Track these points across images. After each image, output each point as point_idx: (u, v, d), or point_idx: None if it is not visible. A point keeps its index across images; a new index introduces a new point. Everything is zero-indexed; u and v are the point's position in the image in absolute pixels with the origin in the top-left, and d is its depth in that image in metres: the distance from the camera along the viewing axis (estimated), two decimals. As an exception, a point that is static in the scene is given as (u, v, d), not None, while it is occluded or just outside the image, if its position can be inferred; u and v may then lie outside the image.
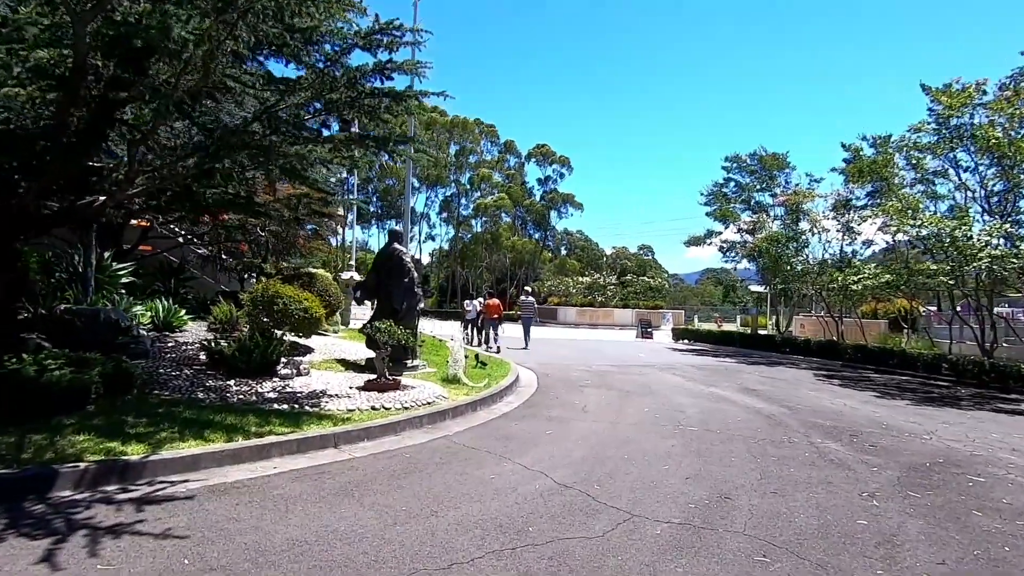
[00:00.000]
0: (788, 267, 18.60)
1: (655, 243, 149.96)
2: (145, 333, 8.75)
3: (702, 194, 22.31)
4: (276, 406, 6.34)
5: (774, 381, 12.16)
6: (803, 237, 18.67)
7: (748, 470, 5.16)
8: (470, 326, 18.84)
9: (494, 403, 8.40)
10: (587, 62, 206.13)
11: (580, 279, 41.01)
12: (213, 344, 7.78)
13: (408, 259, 10.19)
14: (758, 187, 21.43)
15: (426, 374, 9.62)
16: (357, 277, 20.90)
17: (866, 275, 14.25)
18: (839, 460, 5.64)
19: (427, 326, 22.44)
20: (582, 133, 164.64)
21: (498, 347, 16.15)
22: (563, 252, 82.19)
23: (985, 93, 13.75)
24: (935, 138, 14.40)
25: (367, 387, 7.63)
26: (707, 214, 21.99)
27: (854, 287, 14.58)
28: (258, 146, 6.32)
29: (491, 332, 17.07)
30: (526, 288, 21.92)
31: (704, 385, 10.99)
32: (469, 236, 57.78)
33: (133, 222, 12.22)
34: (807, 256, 18.81)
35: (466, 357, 10.19)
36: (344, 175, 57.65)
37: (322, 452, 5.23)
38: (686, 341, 24.69)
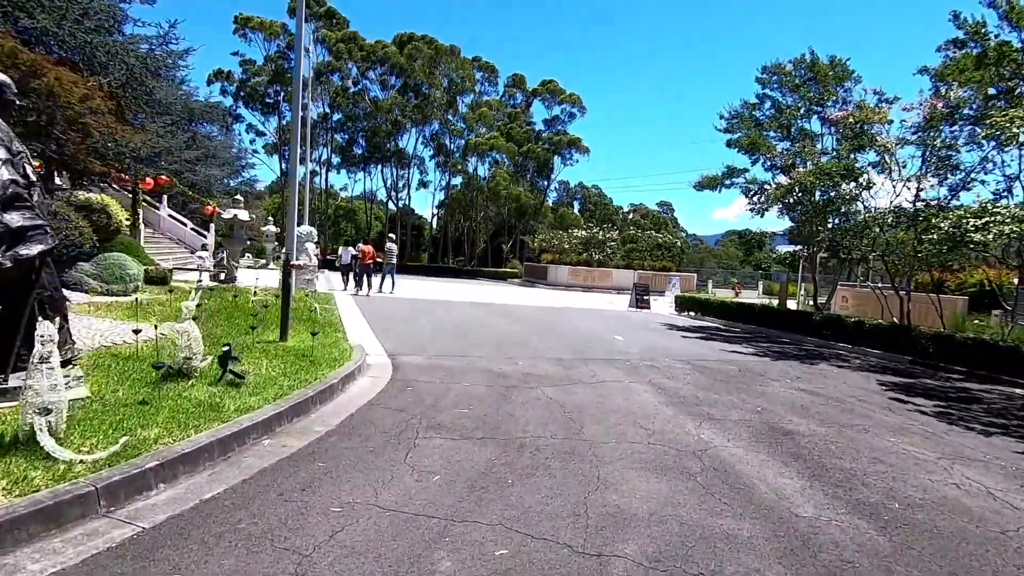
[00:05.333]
0: (840, 215, 12.99)
1: (677, 201, 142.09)
2: None
3: (723, 116, 16.24)
4: None
5: (820, 404, 6.91)
6: (864, 177, 12.93)
7: None
8: (349, 272, 18.82)
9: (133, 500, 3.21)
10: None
11: (577, 233, 35.35)
12: None
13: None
14: (804, 109, 15.45)
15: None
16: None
17: (1001, 218, 8.60)
18: None
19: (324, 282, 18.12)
20: (599, 78, 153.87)
21: (367, 293, 17.46)
22: (576, 208, 76.23)
23: None
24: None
25: None
26: (729, 144, 16.03)
27: (974, 236, 8.95)
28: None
29: (365, 278, 17.83)
30: (390, 235, 22.53)
31: (694, 420, 5.78)
32: (460, 182, 52.01)
33: None
34: (869, 201, 13.12)
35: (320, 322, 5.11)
36: (326, 109, 52.03)
37: None
38: (692, 313, 19.34)
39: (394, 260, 19.36)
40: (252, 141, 52.39)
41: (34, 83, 7.03)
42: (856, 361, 11.30)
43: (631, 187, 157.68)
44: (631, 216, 75.16)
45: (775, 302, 19.76)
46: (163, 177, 23.92)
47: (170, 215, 24.56)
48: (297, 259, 16.29)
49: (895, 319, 13.86)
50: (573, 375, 7.65)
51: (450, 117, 52.25)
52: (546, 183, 56.79)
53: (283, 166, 52.48)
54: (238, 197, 15.74)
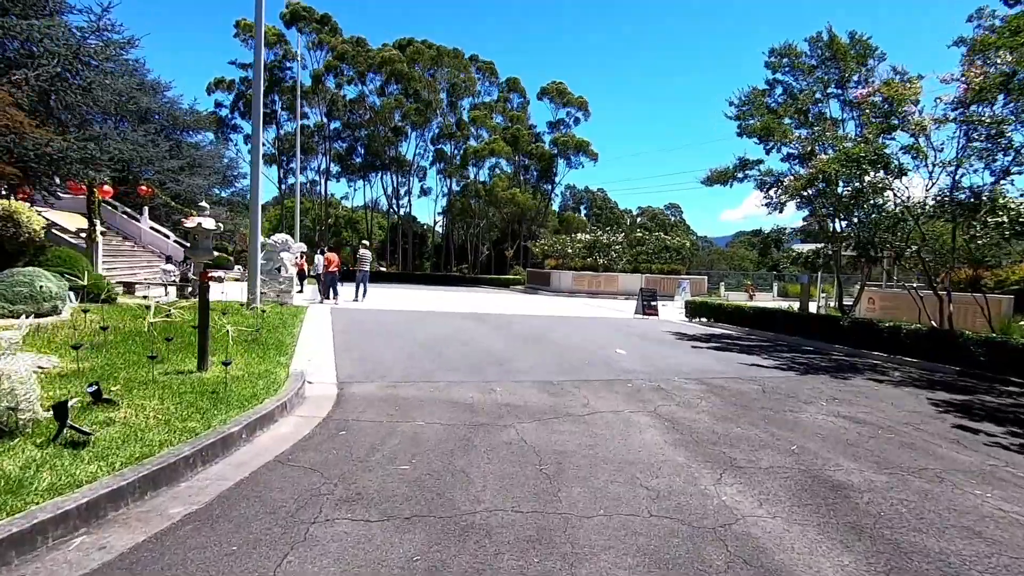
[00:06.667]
0: (869, 208, 11.47)
1: (685, 203, 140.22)
2: None
3: (732, 103, 14.74)
4: None
5: (869, 437, 5.44)
6: (894, 163, 11.40)
7: None
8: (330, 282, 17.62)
9: None
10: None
11: (580, 237, 33.83)
12: None
13: None
14: (820, 93, 13.94)
15: None
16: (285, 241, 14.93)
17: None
18: None
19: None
20: (606, 80, 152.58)
21: (335, 303, 16.73)
22: (582, 212, 74.94)
23: None
24: None
25: None
26: (739, 132, 14.49)
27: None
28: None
29: (332, 286, 17.16)
30: (364, 242, 21.38)
31: (712, 470, 4.35)
32: (459, 187, 50.79)
33: None
34: (901, 191, 11.56)
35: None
36: (323, 118, 51.09)
37: None
38: (703, 320, 17.84)
39: (367, 268, 18.34)
40: (251, 151, 51.59)
41: None
42: (896, 374, 9.78)
43: (638, 189, 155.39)
44: (638, 219, 73.74)
45: (793, 305, 18.21)
46: (143, 187, 22.91)
47: (152, 227, 23.46)
48: (282, 269, 15.26)
49: (933, 323, 12.31)
50: (560, 405, 6.23)
51: (451, 120, 51.16)
52: (550, 187, 55.47)
53: (280, 176, 51.62)
54: (203, 204, 14.43)
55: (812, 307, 18.45)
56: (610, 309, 22.00)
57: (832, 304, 19.74)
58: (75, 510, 2.91)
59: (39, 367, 5.38)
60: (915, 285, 13.29)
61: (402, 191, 53.51)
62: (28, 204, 9.80)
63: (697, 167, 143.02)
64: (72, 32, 9.61)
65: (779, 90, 14.76)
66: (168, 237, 23.60)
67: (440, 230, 60.10)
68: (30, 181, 9.58)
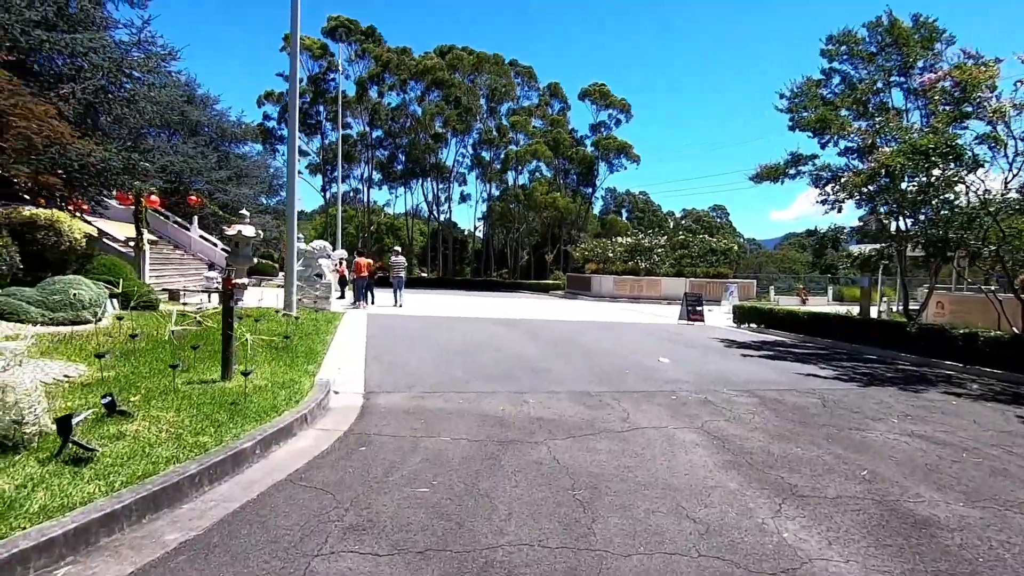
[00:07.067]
0: (938, 204, 10.47)
1: (731, 204, 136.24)
2: None
3: (783, 96, 13.81)
4: None
5: (953, 461, 4.75)
6: (968, 154, 10.38)
7: None
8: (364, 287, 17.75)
9: None
10: None
11: (621, 240, 32.96)
12: None
13: None
14: (881, 83, 12.90)
15: None
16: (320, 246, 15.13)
17: None
18: None
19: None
20: (648, 80, 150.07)
21: (364, 305, 16.91)
22: (624, 216, 73.89)
23: None
24: None
25: None
26: (791, 126, 13.57)
27: None
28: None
29: (363, 291, 17.27)
30: (396, 248, 21.51)
31: (771, 500, 3.82)
32: (499, 192, 50.68)
33: None
34: (977, 184, 10.49)
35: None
36: (365, 127, 52.07)
37: None
38: (754, 325, 16.92)
39: (402, 273, 18.46)
40: (286, 163, 53.09)
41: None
42: (974, 386, 8.83)
43: (682, 191, 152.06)
44: (682, 221, 72.03)
45: (851, 310, 17.03)
46: (193, 197, 23.70)
47: (201, 235, 24.24)
48: (321, 275, 15.28)
49: (1015, 329, 11.17)
50: (598, 419, 5.78)
51: (490, 125, 51.23)
52: (590, 190, 54.76)
53: (324, 184, 52.87)
54: (243, 212, 14.72)
55: (873, 312, 17.23)
56: (653, 315, 21.25)
57: (895, 308, 18.42)
58: (62, 536, 2.69)
59: (65, 376, 5.34)
60: (993, 288, 12.10)
61: (442, 197, 53.95)
62: (76, 214, 10.10)
63: (744, 166, 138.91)
64: (116, 45, 9.88)
65: (836, 80, 13.83)
66: (216, 245, 24.33)
67: (480, 235, 60.26)
68: (75, 191, 9.89)
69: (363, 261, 17.56)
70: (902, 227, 13.16)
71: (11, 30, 7.77)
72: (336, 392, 6.24)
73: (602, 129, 53.18)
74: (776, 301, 29.13)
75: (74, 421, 3.72)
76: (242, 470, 3.91)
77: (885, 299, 18.17)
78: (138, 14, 10.05)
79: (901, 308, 15.13)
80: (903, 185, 11.68)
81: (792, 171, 13.48)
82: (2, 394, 3.46)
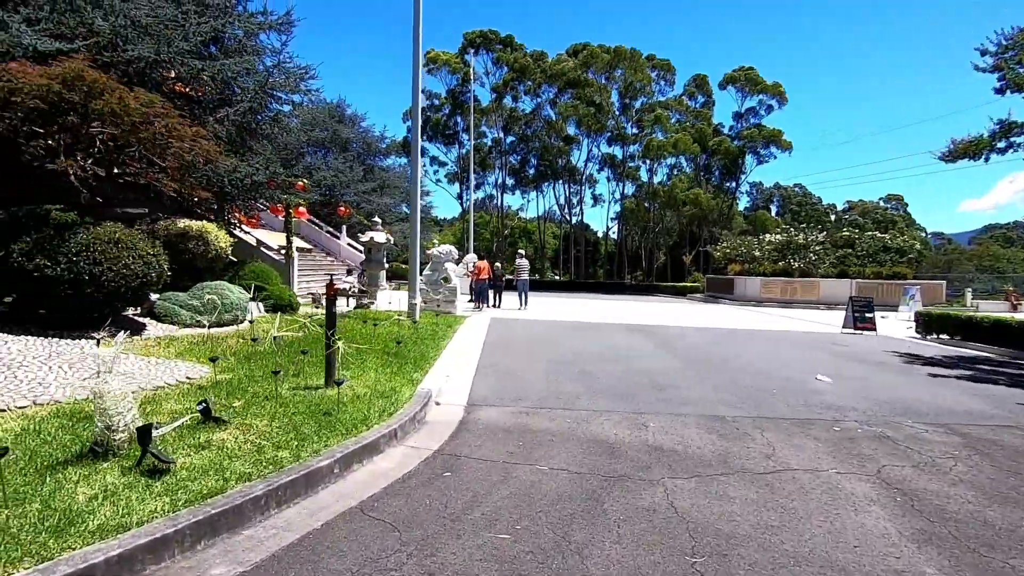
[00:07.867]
0: None
1: (909, 193, 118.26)
2: None
3: (985, 51, 10.71)
4: None
5: None
6: None
7: None
8: (488, 290, 17.95)
9: None
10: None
11: (769, 238, 29.45)
12: None
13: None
14: None
15: None
16: (447, 251, 15.61)
17: None
18: None
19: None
20: (799, 60, 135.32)
21: (481, 308, 16.87)
22: (773, 211, 67.65)
23: None
24: None
25: None
26: (999, 88, 10.58)
27: None
28: None
29: (483, 294, 17.22)
30: (520, 251, 21.40)
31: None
32: (633, 190, 48.76)
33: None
34: None
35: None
36: (499, 133, 53.41)
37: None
38: (945, 337, 13.90)
39: (526, 276, 18.22)
40: (436, 171, 56.18)
41: (95, 104, 6.71)
42: None
43: (848, 180, 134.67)
44: (847, 215, 63.81)
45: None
46: (342, 208, 25.83)
47: (349, 243, 26.28)
48: (447, 279, 15.54)
49: None
50: (732, 453, 4.72)
51: (624, 122, 49.66)
52: (734, 184, 50.59)
53: (460, 191, 55.16)
54: (375, 219, 15.43)
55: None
56: (808, 321, 18.59)
57: None
58: (103, 563, 2.50)
59: (188, 377, 5.61)
60: None
61: (574, 200, 53.50)
62: (234, 224, 11.21)
63: (925, 146, 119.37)
64: (259, 69, 10.85)
65: (1063, 25, 10.68)
66: (360, 252, 26.26)
67: (613, 236, 58.72)
68: (225, 204, 11.04)
69: (483, 264, 17.71)
70: None
71: (174, 63, 8.80)
72: (438, 403, 5.90)
73: (750, 117, 48.88)
74: (974, 307, 24.17)
75: (161, 431, 3.70)
76: (315, 491, 3.62)
77: None
78: (277, 37, 10.98)
79: None
80: None
81: (1001, 143, 10.65)
82: (99, 401, 3.49)
